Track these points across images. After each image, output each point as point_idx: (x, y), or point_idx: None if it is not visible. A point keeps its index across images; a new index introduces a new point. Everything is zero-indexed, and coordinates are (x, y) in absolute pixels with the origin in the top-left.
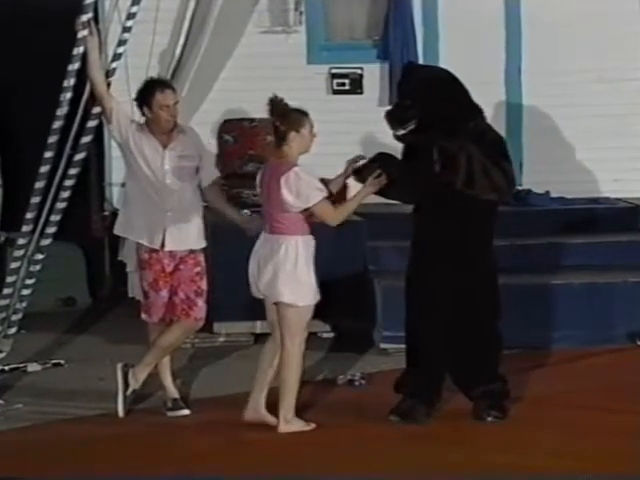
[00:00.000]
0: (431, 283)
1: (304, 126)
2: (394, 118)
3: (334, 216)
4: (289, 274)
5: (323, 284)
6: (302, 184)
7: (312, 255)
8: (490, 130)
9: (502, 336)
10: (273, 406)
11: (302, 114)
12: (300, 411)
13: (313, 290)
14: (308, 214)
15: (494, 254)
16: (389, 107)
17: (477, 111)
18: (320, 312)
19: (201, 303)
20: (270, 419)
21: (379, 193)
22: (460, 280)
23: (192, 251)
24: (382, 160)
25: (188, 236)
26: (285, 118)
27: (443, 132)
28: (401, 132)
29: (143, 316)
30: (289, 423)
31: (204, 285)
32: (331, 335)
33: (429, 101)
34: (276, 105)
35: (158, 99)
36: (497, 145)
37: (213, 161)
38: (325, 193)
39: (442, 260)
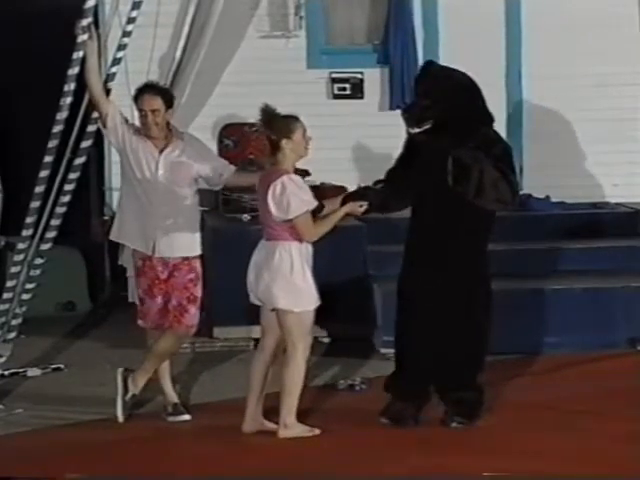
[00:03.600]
0: (426, 287)
1: (294, 132)
2: (412, 117)
3: (311, 232)
4: (284, 280)
5: (323, 289)
6: (286, 195)
7: (309, 260)
8: (500, 140)
9: (488, 343)
10: (272, 411)
11: (292, 119)
12: (301, 416)
13: (311, 295)
14: (291, 225)
15: (488, 260)
16: (407, 104)
17: (489, 119)
18: (321, 317)
19: (193, 310)
20: (270, 426)
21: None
22: (455, 284)
23: (186, 258)
24: (364, 192)
25: (181, 243)
26: (274, 126)
27: (456, 136)
28: (416, 130)
29: (139, 322)
30: (288, 428)
31: (198, 292)
32: (331, 340)
33: (448, 104)
34: (265, 114)
35: (137, 103)
36: (505, 156)
37: (220, 160)
38: (310, 206)
39: (437, 264)
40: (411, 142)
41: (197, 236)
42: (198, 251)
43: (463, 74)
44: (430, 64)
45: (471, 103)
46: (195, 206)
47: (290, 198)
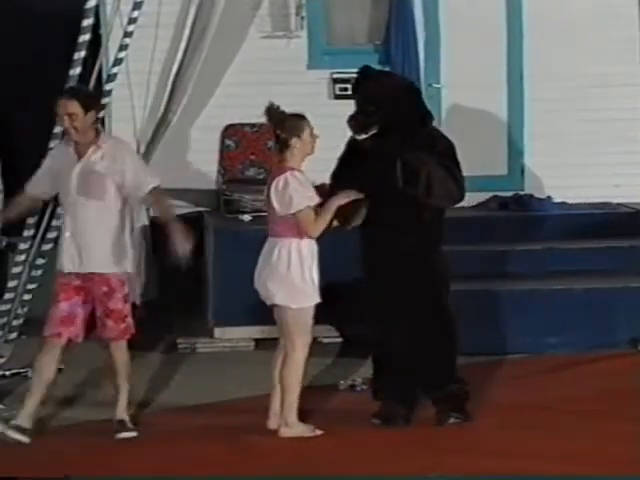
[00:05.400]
0: (387, 288)
1: (304, 130)
2: (358, 124)
3: (314, 228)
4: (282, 276)
5: (324, 289)
6: (289, 190)
7: (310, 258)
8: (442, 137)
9: (458, 337)
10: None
11: (300, 118)
12: (302, 416)
13: (309, 293)
14: (293, 221)
15: (444, 257)
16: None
17: (430, 118)
18: (321, 317)
19: (110, 323)
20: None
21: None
22: (411, 282)
23: (101, 273)
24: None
25: (94, 258)
26: (284, 125)
27: (402, 139)
28: (363, 137)
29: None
30: (290, 427)
31: (114, 305)
32: (332, 340)
33: (392, 108)
34: (273, 113)
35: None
36: (449, 152)
37: (145, 171)
38: (312, 202)
39: (392, 265)
40: (353, 145)
41: (119, 250)
42: (116, 268)
43: (402, 77)
44: (367, 70)
45: (414, 105)
46: (116, 218)
47: (292, 193)
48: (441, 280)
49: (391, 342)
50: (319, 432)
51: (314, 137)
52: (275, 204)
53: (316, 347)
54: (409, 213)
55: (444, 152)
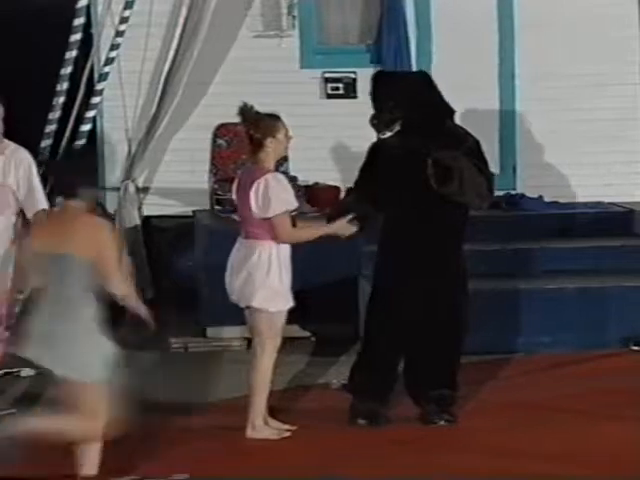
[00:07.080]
0: (403, 286)
1: (279, 131)
2: (381, 121)
3: (287, 233)
4: (261, 279)
5: (318, 288)
6: (269, 193)
7: (286, 261)
8: (468, 134)
9: (464, 341)
10: (274, 410)
11: (275, 119)
12: (294, 415)
13: (285, 296)
14: (270, 224)
15: (464, 259)
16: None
17: (451, 112)
18: (314, 316)
19: None
20: (275, 424)
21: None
22: (433, 283)
23: None
24: (350, 207)
25: None
26: (259, 125)
27: (426, 135)
28: (387, 134)
29: None
30: (256, 430)
31: None
32: (324, 339)
33: (412, 102)
34: (247, 113)
35: None
36: (477, 149)
37: (37, 191)
38: (290, 207)
39: (415, 264)
40: (376, 149)
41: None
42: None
43: (417, 72)
44: (380, 73)
45: (432, 99)
46: (10, 233)
47: (272, 196)
48: (463, 282)
49: (391, 340)
50: (287, 434)
51: (288, 138)
52: (253, 206)
53: (307, 346)
54: (435, 213)
55: (472, 149)
